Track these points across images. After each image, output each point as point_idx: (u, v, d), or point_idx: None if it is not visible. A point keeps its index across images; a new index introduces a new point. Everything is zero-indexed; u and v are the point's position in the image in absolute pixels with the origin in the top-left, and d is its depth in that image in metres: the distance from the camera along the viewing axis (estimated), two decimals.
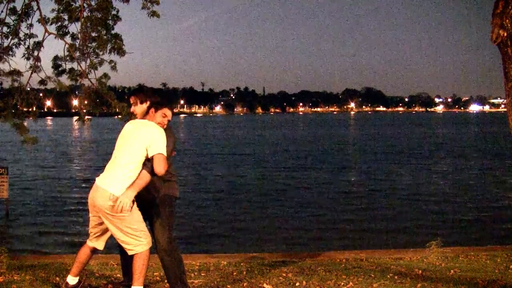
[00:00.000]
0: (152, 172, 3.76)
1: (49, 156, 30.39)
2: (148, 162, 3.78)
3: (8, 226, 12.46)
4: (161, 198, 4.02)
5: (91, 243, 3.98)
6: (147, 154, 3.76)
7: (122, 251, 4.04)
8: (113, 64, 5.81)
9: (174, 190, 4.11)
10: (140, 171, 3.75)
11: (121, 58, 5.83)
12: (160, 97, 4.17)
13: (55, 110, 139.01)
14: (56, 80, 5.76)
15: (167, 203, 4.04)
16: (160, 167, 3.73)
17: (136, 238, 3.75)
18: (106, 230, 3.89)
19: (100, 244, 3.98)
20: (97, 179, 3.82)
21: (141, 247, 3.77)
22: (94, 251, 4.03)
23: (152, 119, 3.94)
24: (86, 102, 5.99)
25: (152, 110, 3.97)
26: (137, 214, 3.79)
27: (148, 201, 3.99)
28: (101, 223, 3.85)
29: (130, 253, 3.81)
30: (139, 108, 4.08)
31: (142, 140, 3.78)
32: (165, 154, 3.77)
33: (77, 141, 46.90)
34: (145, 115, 4.01)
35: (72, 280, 4.01)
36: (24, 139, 5.73)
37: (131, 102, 4.11)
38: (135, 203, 3.75)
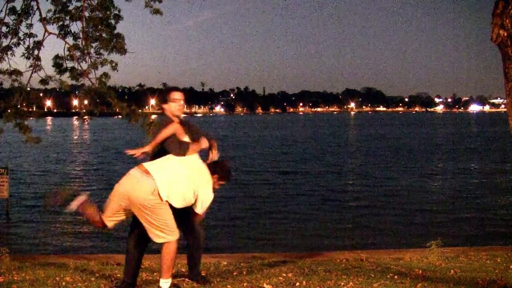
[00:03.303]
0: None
1: (49, 156, 30.39)
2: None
3: (8, 226, 12.47)
4: None
5: (107, 219, 3.96)
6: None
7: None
8: (113, 64, 5.81)
9: None
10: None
11: (121, 58, 5.84)
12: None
13: (55, 110, 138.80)
14: (58, 79, 5.76)
15: None
16: None
17: (163, 230, 3.84)
18: (121, 214, 3.94)
19: (111, 222, 3.99)
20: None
21: (163, 239, 3.85)
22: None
23: (169, 111, 4.18)
24: (86, 101, 5.99)
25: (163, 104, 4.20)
26: (166, 207, 3.87)
27: None
28: (120, 210, 3.89)
29: (153, 238, 3.89)
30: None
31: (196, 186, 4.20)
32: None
33: (77, 141, 46.87)
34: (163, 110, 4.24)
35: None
36: (27, 138, 5.73)
37: (179, 98, 4.20)
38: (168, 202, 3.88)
